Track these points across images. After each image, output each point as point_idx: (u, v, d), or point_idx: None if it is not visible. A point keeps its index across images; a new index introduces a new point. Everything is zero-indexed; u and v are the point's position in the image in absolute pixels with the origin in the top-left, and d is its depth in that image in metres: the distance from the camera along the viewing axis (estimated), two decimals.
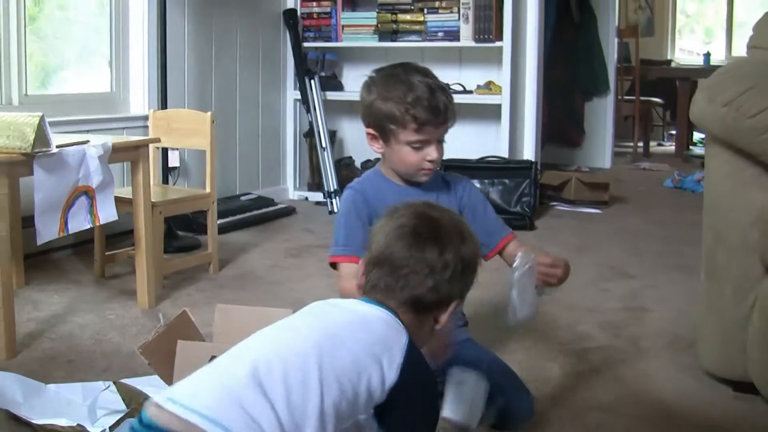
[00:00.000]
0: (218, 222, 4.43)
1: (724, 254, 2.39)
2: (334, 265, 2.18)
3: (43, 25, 4.30)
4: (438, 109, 2.09)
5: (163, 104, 4.26)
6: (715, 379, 2.48)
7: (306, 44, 5.81)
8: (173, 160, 4.60)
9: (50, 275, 3.64)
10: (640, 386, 2.50)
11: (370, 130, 2.21)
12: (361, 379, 1.39)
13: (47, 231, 2.75)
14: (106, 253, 3.65)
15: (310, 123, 5.64)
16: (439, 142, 2.17)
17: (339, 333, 1.44)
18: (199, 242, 4.24)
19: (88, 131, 3.81)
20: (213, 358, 2.09)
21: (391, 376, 1.42)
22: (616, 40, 7.97)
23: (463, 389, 2.11)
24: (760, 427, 2.23)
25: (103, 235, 3.60)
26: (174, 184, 4.63)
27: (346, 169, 5.68)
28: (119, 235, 3.94)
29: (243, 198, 5.17)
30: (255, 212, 4.96)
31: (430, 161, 2.16)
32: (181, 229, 4.40)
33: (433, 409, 1.57)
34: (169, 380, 2.13)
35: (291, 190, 5.92)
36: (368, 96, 2.19)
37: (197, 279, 3.65)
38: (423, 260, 1.53)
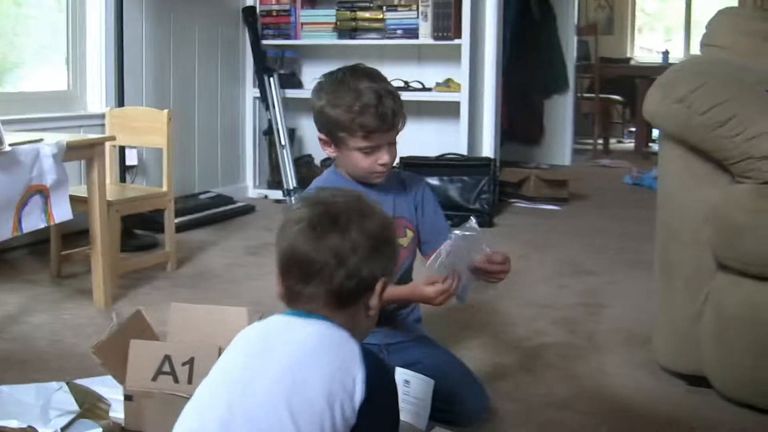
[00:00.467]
0: (177, 220, 4.40)
1: (676, 250, 2.41)
2: None
3: None
4: (385, 116, 2.08)
5: (120, 102, 4.22)
6: (670, 374, 2.50)
7: (265, 42, 5.79)
8: (131, 159, 4.56)
9: (5, 275, 3.59)
10: (596, 382, 2.52)
11: (322, 136, 2.21)
12: (334, 410, 1.34)
13: (0, 231, 2.71)
14: (63, 253, 3.61)
15: (269, 121, 5.62)
16: (391, 145, 2.17)
17: (298, 373, 1.35)
18: (157, 241, 4.21)
19: (44, 129, 3.76)
20: (166, 357, 2.10)
21: (359, 395, 1.36)
22: (575, 38, 8.02)
23: (408, 389, 2.12)
24: (714, 421, 2.26)
25: (59, 235, 3.56)
26: (132, 183, 4.59)
27: (305, 167, 5.66)
28: (76, 234, 3.89)
29: (202, 196, 5.14)
30: (214, 210, 4.94)
31: (381, 165, 2.16)
32: (139, 228, 4.36)
33: (397, 405, 1.51)
34: (122, 380, 2.11)
35: (251, 188, 5.89)
36: (318, 102, 2.17)
37: (155, 278, 3.62)
38: (328, 249, 1.43)
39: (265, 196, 5.77)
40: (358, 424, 1.37)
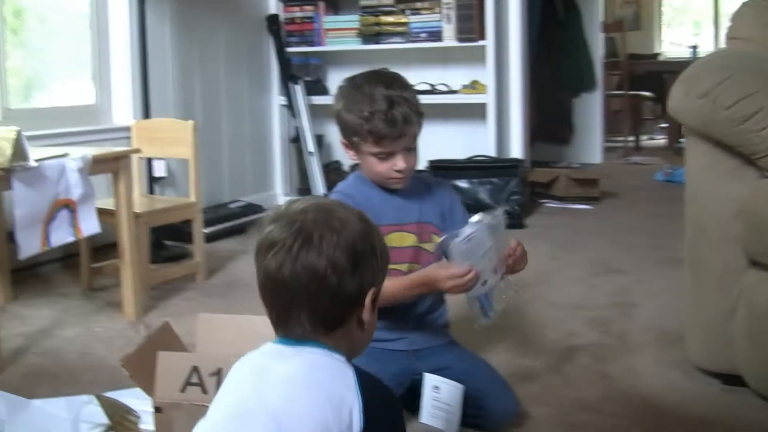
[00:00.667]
0: (207, 230, 4.44)
1: (706, 247, 2.38)
2: None
3: (25, 39, 4.29)
4: (394, 123, 2.08)
5: (146, 114, 4.25)
6: (704, 373, 2.47)
7: (290, 49, 5.80)
8: (159, 170, 4.59)
9: (38, 289, 3.62)
10: (628, 383, 2.49)
11: (342, 139, 2.22)
12: None
13: (29, 246, 2.73)
14: (93, 266, 3.63)
15: (296, 128, 5.63)
16: (409, 150, 2.16)
17: (287, 416, 1.28)
18: (188, 252, 4.22)
19: (72, 144, 3.80)
20: (194, 368, 2.10)
21: (357, 423, 1.29)
22: (601, 35, 7.96)
23: (438, 395, 2.11)
24: (749, 420, 2.22)
25: (88, 248, 3.59)
26: (161, 194, 4.62)
27: (334, 173, 5.66)
28: (107, 247, 3.92)
29: (232, 205, 5.15)
30: (243, 219, 4.94)
31: (397, 171, 2.15)
32: (170, 239, 4.38)
33: (401, 423, 1.45)
34: (151, 392, 2.11)
35: (280, 195, 5.90)
36: (336, 106, 2.20)
37: (185, 288, 3.64)
38: (308, 269, 1.32)
39: None
40: None
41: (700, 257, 2.42)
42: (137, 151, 3.42)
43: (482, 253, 1.99)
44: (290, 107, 5.66)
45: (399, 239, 2.22)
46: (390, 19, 5.53)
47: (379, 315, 2.21)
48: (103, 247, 3.80)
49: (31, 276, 3.79)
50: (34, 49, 4.36)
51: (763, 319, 2.21)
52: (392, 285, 2.05)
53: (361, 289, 1.36)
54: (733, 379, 2.36)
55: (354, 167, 5.54)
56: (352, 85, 2.18)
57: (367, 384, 1.34)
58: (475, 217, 1.99)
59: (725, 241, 2.31)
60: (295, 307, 1.35)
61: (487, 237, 1.99)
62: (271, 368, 1.35)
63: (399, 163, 2.15)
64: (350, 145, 2.20)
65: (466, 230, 1.96)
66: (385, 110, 2.08)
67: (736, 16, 2.73)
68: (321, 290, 1.33)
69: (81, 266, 3.63)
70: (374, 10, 5.56)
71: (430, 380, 2.15)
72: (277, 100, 5.83)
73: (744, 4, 2.75)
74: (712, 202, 2.36)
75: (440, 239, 2.06)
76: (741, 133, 2.20)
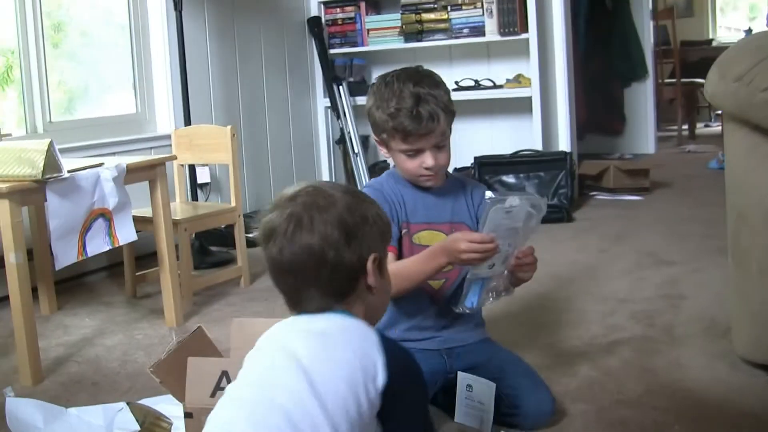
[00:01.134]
0: (253, 234, 4.44)
1: (747, 235, 2.31)
2: None
3: (67, 52, 4.34)
4: (420, 120, 2.05)
5: (187, 121, 4.27)
6: (751, 365, 2.40)
7: (332, 51, 5.80)
8: (203, 177, 4.61)
9: (83, 299, 3.66)
10: (672, 377, 2.41)
11: (374, 137, 2.21)
12: (358, 395, 1.35)
13: (65, 256, 2.75)
14: (137, 274, 3.65)
15: (341, 129, 5.62)
16: (439, 147, 2.13)
17: (325, 373, 1.36)
18: (233, 257, 4.23)
19: (116, 153, 3.85)
20: (223, 373, 2.09)
21: (381, 379, 1.38)
22: (651, 23, 7.82)
23: (471, 393, 2.07)
24: None
25: (132, 256, 3.62)
26: (206, 200, 4.64)
27: (380, 173, 5.61)
28: (151, 255, 3.94)
29: None
30: None
31: (427, 168, 2.12)
32: (217, 245, 4.40)
33: (424, 386, 1.53)
34: (182, 398, 2.11)
35: None
36: (368, 103, 2.19)
37: (228, 294, 3.64)
38: (304, 249, 1.43)
39: None
40: (384, 407, 1.39)
41: (742, 246, 2.34)
42: (173, 158, 3.42)
43: (508, 232, 1.95)
44: (334, 109, 5.65)
45: (430, 238, 2.19)
46: (431, 16, 5.48)
47: (410, 314, 2.20)
48: (148, 256, 3.83)
49: (76, 286, 3.83)
50: (76, 62, 4.41)
51: None
52: (414, 260, 2.07)
53: (360, 258, 1.47)
54: None
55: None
56: (383, 82, 2.16)
57: (389, 345, 1.42)
58: (522, 194, 1.95)
59: (767, 228, 2.23)
60: (304, 286, 1.46)
61: (521, 218, 1.95)
62: (299, 328, 1.46)
63: (428, 160, 2.13)
64: (381, 142, 2.19)
65: (511, 200, 1.91)
66: (411, 107, 2.06)
67: None
68: (321, 265, 1.44)
69: (125, 274, 3.65)
70: (415, 8, 5.52)
71: (463, 379, 2.11)
72: (322, 102, 5.82)
73: None
74: (753, 188, 2.29)
75: (488, 198, 2.03)
76: None
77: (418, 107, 2.06)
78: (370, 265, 1.47)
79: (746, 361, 2.40)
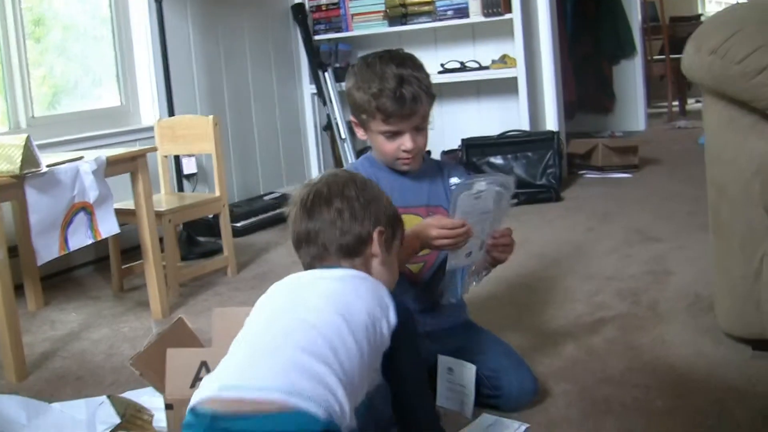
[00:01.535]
0: (240, 224, 4.45)
1: (727, 209, 2.29)
2: None
3: (49, 46, 4.31)
4: (403, 101, 2.05)
5: (171, 112, 4.25)
6: (734, 339, 2.39)
7: (317, 37, 5.77)
8: (189, 167, 4.59)
9: (69, 293, 3.65)
10: (655, 354, 2.41)
11: (352, 118, 2.20)
12: (377, 331, 1.53)
13: (47, 251, 2.74)
14: (123, 267, 3.64)
15: (328, 116, 5.61)
16: (419, 130, 2.13)
17: (347, 298, 1.55)
18: (221, 247, 4.22)
19: (101, 146, 3.83)
20: (203, 363, 2.09)
21: (393, 320, 1.58)
22: (638, 0, 7.79)
23: (452, 377, 2.07)
24: None
25: (118, 249, 3.60)
26: (193, 191, 4.62)
27: None
28: (138, 247, 3.93)
29: (266, 197, 5.14)
30: (278, 211, 4.93)
31: (405, 151, 2.12)
32: (205, 236, 4.39)
33: (418, 340, 1.73)
34: (162, 389, 2.10)
35: None
36: (347, 83, 2.19)
37: (215, 284, 3.63)
38: (320, 218, 1.69)
39: None
40: (392, 348, 1.59)
41: (722, 219, 2.33)
42: (154, 149, 3.41)
43: (480, 216, 1.94)
44: (321, 95, 5.64)
45: (407, 221, 2.16)
46: None
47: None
48: (134, 248, 3.81)
49: (63, 281, 3.82)
50: (60, 56, 4.38)
51: None
52: None
53: (367, 229, 1.70)
54: (763, 344, 2.28)
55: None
56: (364, 63, 2.16)
57: (396, 296, 1.65)
58: (489, 176, 1.94)
59: (746, 202, 2.22)
60: (318, 245, 1.69)
61: (491, 201, 1.94)
62: (317, 276, 1.67)
63: (407, 143, 2.12)
64: (359, 123, 2.18)
65: (479, 185, 1.91)
66: (394, 88, 2.06)
67: None
68: (333, 228, 1.68)
69: (111, 268, 3.64)
70: None
71: (443, 362, 2.10)
72: (308, 88, 5.80)
73: None
74: (731, 161, 2.27)
75: (453, 185, 2.03)
76: (754, 87, 2.11)
77: (402, 88, 2.05)
78: (376, 234, 1.70)
79: (729, 336, 2.39)
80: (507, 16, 5.15)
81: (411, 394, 1.69)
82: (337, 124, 5.55)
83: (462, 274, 2.06)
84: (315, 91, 5.71)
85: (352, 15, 5.68)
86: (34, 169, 2.63)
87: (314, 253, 1.70)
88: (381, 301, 1.59)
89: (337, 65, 5.76)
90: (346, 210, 1.69)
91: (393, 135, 2.12)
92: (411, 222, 2.17)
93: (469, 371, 2.05)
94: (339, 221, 1.68)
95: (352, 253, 1.69)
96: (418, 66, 2.14)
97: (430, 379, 2.14)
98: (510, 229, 2.05)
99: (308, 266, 1.72)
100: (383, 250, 1.72)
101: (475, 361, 2.08)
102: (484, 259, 2.05)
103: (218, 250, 4.18)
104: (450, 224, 1.91)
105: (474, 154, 5.16)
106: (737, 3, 2.78)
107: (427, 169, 2.26)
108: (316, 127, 5.86)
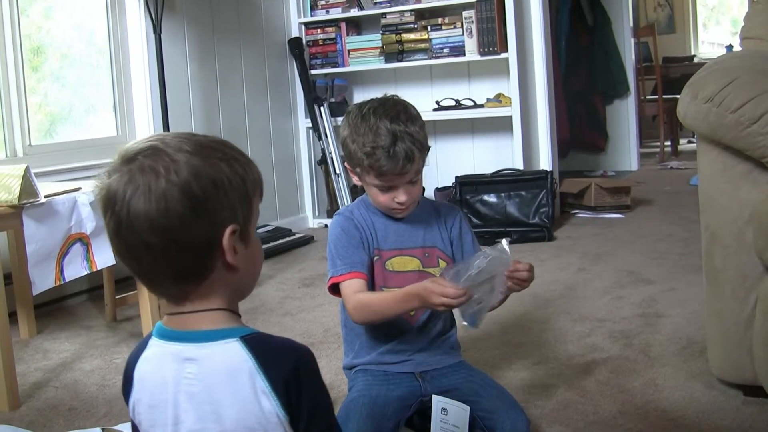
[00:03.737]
0: None
1: (720, 255, 2.31)
2: (335, 290, 2.15)
3: (47, 75, 4.34)
4: (397, 160, 2.04)
5: None
6: (726, 384, 2.41)
7: (314, 71, 5.82)
8: None
9: (62, 323, 3.64)
10: (647, 397, 2.42)
11: (347, 165, 2.20)
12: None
13: (43, 281, 2.75)
14: (117, 297, 3.64)
15: (323, 150, 5.64)
16: (412, 183, 2.14)
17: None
18: None
19: (95, 177, 3.82)
20: None
21: (272, 406, 1.24)
22: (632, 40, 7.88)
23: (446, 417, 2.07)
24: None
25: (112, 279, 3.61)
26: None
27: (362, 194, 5.63)
28: (132, 277, 3.94)
29: (260, 230, 5.16)
30: (271, 244, 4.94)
31: (399, 203, 2.13)
32: None
33: (315, 372, 1.31)
34: None
35: (310, 218, 5.90)
36: (342, 132, 2.18)
37: None
38: (144, 224, 1.19)
39: (325, 225, 5.76)
40: (291, 418, 1.25)
41: (715, 265, 2.35)
42: None
43: (483, 282, 1.95)
44: (316, 129, 5.67)
45: (401, 264, 2.20)
46: (412, 36, 5.51)
47: (385, 337, 2.20)
48: (129, 278, 3.82)
49: (56, 309, 3.82)
50: (57, 84, 4.40)
51: None
52: (387, 297, 2.07)
53: (213, 232, 1.23)
54: (755, 391, 2.29)
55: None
56: (359, 113, 2.14)
57: (261, 354, 1.26)
58: (482, 253, 1.94)
59: (740, 248, 2.24)
60: (152, 269, 1.24)
61: (491, 269, 1.95)
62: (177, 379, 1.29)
63: (400, 196, 2.13)
64: (354, 172, 2.19)
65: (479, 263, 1.91)
66: (388, 146, 2.05)
67: (748, 16, 2.67)
68: (166, 245, 1.20)
69: (105, 298, 3.64)
70: (396, 29, 5.55)
71: (438, 402, 2.11)
72: (304, 123, 5.84)
73: (755, 2, 2.69)
74: (725, 208, 2.30)
75: (444, 270, 2.02)
76: (748, 136, 2.14)
77: (395, 146, 2.04)
78: (226, 240, 1.23)
79: (721, 381, 2.41)
80: (503, 55, 5.21)
81: None
82: (331, 158, 5.58)
83: (474, 316, 2.06)
84: (310, 125, 5.74)
85: (349, 50, 5.73)
86: (32, 200, 2.65)
87: (146, 273, 1.28)
88: (254, 401, 1.25)
89: (333, 100, 5.81)
90: (176, 213, 1.20)
91: (387, 188, 2.13)
92: (407, 264, 2.20)
93: (464, 412, 2.06)
94: (172, 228, 1.21)
95: (198, 276, 1.26)
96: (412, 118, 2.12)
97: (424, 419, 2.16)
98: (530, 264, 2.05)
99: (147, 286, 1.35)
100: (240, 252, 1.28)
101: (469, 401, 2.08)
102: (500, 292, 2.05)
103: None
104: (453, 293, 1.91)
105: (467, 191, 5.19)
106: (733, 51, 2.82)
107: (421, 212, 2.26)
108: (310, 160, 5.88)
